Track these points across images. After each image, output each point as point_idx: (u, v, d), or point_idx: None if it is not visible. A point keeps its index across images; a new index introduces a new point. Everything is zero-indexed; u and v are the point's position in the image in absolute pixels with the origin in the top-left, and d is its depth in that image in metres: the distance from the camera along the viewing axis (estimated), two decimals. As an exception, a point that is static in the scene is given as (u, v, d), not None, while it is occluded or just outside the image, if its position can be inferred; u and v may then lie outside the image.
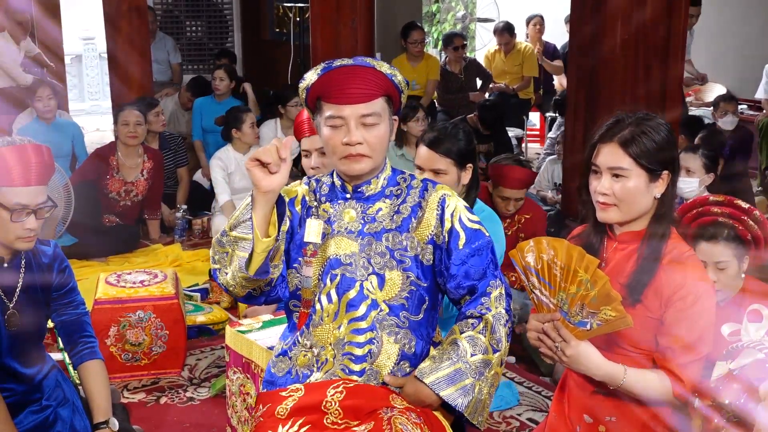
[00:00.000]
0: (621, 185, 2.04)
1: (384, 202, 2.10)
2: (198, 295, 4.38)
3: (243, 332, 2.77)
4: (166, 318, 3.58)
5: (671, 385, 1.99)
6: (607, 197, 2.06)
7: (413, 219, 2.08)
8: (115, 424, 2.44)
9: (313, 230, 2.08)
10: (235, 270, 1.96)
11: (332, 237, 2.08)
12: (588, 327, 1.97)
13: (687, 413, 2.03)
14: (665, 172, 2.05)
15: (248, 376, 2.74)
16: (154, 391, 3.50)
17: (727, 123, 5.94)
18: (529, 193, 6.14)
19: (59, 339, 3.23)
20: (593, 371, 2.03)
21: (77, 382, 2.64)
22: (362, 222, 2.08)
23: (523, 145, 7.81)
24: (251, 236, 1.90)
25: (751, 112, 7.24)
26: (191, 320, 3.93)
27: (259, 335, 2.74)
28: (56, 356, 3.09)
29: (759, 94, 7.25)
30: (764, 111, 7.06)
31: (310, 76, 2.04)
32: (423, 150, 2.94)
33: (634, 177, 2.03)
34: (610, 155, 2.05)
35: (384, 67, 2.04)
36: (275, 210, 1.93)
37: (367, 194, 2.10)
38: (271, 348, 2.60)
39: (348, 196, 2.11)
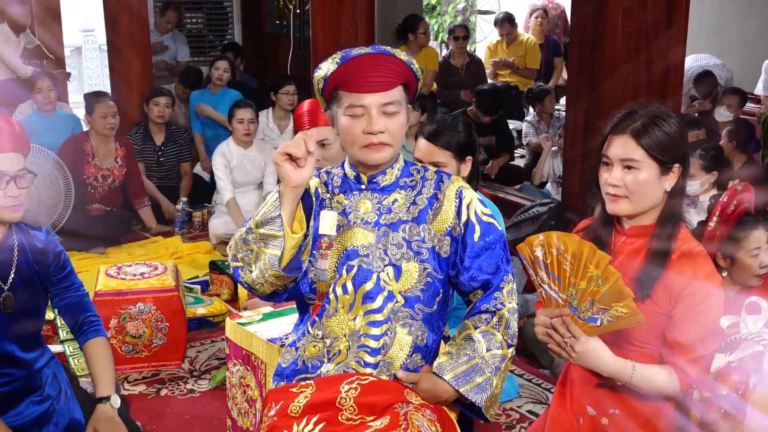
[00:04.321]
0: (632, 177, 2.03)
1: (399, 193, 2.08)
2: (198, 287, 4.38)
3: (243, 324, 2.78)
4: (167, 310, 3.59)
5: (679, 381, 1.99)
6: (618, 189, 2.04)
7: (429, 210, 2.07)
8: (116, 401, 2.45)
9: (327, 222, 2.02)
10: (264, 268, 1.93)
11: (349, 228, 2.06)
12: (598, 323, 1.96)
13: (687, 405, 2.03)
14: (676, 165, 2.04)
15: (248, 368, 2.74)
16: (154, 383, 3.51)
17: (720, 115, 5.94)
18: (529, 187, 6.16)
19: (60, 331, 3.24)
20: (602, 368, 2.02)
21: (76, 373, 2.65)
22: (378, 213, 2.06)
23: (524, 139, 7.79)
24: (282, 233, 1.88)
25: (752, 105, 7.22)
26: (191, 312, 3.93)
27: (259, 327, 2.74)
28: (56, 348, 3.09)
29: (758, 90, 7.24)
30: (764, 105, 7.05)
31: (328, 66, 1.99)
32: (422, 142, 2.93)
33: (646, 169, 2.02)
34: (622, 147, 2.03)
35: (402, 55, 2.02)
36: (300, 205, 1.91)
37: (382, 185, 2.08)
38: (271, 340, 2.61)
39: (363, 187, 2.09)
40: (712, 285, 2.00)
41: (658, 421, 2.08)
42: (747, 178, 4.08)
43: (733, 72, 7.74)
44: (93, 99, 5.30)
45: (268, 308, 2.98)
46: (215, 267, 4.50)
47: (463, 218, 2.05)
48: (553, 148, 6.12)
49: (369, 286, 2.02)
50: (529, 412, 3.28)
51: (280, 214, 1.88)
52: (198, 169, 6.35)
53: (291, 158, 1.86)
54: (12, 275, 2.36)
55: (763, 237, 2.64)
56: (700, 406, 1.96)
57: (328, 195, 2.10)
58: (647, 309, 2.00)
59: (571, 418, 2.20)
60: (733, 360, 1.90)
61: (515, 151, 7.31)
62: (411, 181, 2.10)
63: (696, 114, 6.42)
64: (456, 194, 2.07)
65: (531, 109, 7.03)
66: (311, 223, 1.97)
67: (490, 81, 7.85)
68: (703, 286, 1.98)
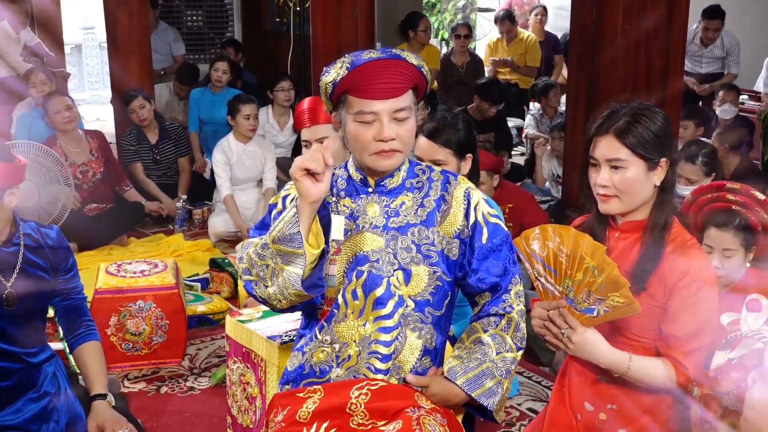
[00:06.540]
0: (620, 176, 2.04)
1: (406, 195, 2.04)
2: (198, 285, 4.38)
3: (243, 322, 2.78)
4: (167, 308, 3.59)
5: (675, 373, 2.00)
6: (608, 189, 2.06)
7: (438, 213, 2.04)
8: (112, 399, 2.47)
9: (335, 227, 1.97)
10: (284, 285, 1.89)
11: (358, 233, 2.01)
12: (595, 314, 1.98)
13: (687, 401, 2.03)
14: (663, 159, 2.06)
15: (248, 365, 2.75)
16: (154, 381, 3.51)
17: (725, 112, 5.93)
18: (529, 185, 6.17)
19: (60, 328, 3.24)
20: (599, 359, 2.03)
21: (76, 370, 2.65)
22: (386, 216, 2.02)
23: (524, 135, 7.80)
24: (302, 251, 1.85)
25: (752, 103, 7.22)
26: (191, 310, 3.93)
27: (259, 325, 2.74)
28: (56, 346, 3.09)
29: (758, 86, 7.23)
30: (765, 102, 7.05)
31: (338, 71, 1.94)
32: (422, 140, 2.93)
33: (632, 167, 2.03)
34: (606, 147, 2.05)
35: (413, 59, 1.97)
36: (317, 218, 1.88)
37: (389, 188, 2.04)
38: (271, 337, 2.61)
39: (370, 190, 2.04)
40: (707, 277, 2.01)
41: (655, 417, 2.09)
42: (743, 180, 4.08)
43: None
44: (46, 99, 5.26)
45: (268, 306, 2.98)
46: (215, 264, 4.50)
47: (471, 220, 2.03)
48: (547, 150, 6.12)
49: (380, 291, 1.99)
50: (529, 409, 3.28)
51: (299, 231, 1.84)
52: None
53: (309, 173, 1.83)
54: (16, 273, 2.37)
55: (722, 240, 2.52)
56: (700, 403, 1.97)
57: (334, 198, 2.04)
58: (642, 302, 2.01)
59: (569, 415, 2.21)
60: (734, 357, 1.90)
61: (514, 148, 7.32)
62: (417, 182, 2.07)
63: (700, 94, 6.40)
64: (464, 196, 2.05)
65: (537, 104, 7.03)
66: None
67: (498, 59, 7.86)
68: (697, 278, 2.00)
